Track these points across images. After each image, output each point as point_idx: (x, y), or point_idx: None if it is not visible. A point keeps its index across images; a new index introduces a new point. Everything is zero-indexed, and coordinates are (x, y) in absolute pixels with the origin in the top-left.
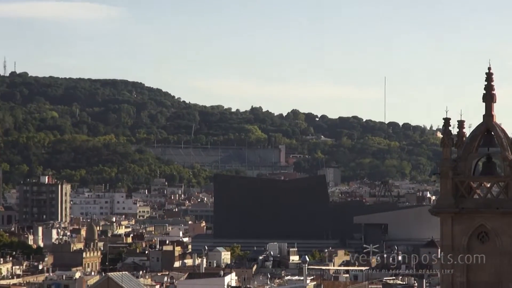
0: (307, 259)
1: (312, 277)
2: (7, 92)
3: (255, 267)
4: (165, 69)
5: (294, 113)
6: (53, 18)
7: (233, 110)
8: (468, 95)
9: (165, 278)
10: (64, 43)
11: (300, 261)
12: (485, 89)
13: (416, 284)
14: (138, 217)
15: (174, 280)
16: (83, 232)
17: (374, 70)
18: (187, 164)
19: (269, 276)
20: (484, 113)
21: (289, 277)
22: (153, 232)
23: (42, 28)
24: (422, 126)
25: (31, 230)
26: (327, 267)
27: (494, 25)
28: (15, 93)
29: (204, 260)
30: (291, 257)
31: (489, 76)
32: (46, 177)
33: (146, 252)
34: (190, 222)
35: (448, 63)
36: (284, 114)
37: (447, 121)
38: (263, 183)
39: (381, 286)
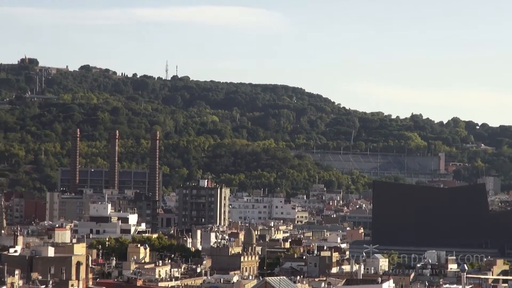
0: (466, 268)
1: (470, 286)
2: (169, 96)
3: (412, 274)
4: (325, 74)
5: (455, 121)
6: (215, 23)
7: (393, 117)
8: None
9: (322, 284)
10: (226, 47)
11: (458, 270)
12: None
13: None
14: (296, 222)
15: (332, 286)
16: (241, 236)
17: None
18: (346, 170)
19: (426, 284)
20: None
21: (447, 286)
22: (311, 238)
23: (204, 32)
24: None
25: (190, 233)
26: (486, 276)
27: None
28: (176, 97)
29: (362, 267)
30: (449, 265)
31: None
32: (206, 180)
33: (304, 257)
34: (348, 228)
35: None
36: (445, 122)
37: None
38: (422, 190)
39: None
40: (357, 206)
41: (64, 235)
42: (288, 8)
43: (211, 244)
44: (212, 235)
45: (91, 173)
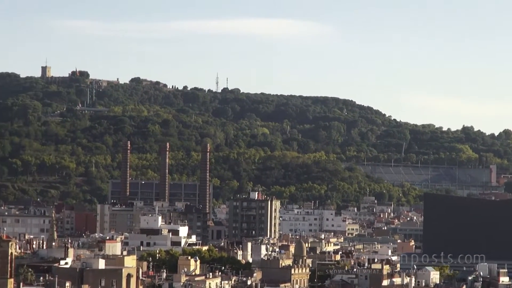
0: None
1: None
2: (219, 108)
3: (464, 287)
4: (376, 87)
5: (506, 132)
6: (265, 35)
7: (444, 129)
8: None
9: None
10: (276, 59)
11: (510, 283)
12: None
13: None
14: (346, 234)
15: None
16: (291, 249)
17: None
18: (397, 183)
19: None
20: None
21: None
22: (361, 250)
23: (254, 45)
24: None
25: (240, 246)
26: None
27: None
28: (226, 109)
29: (413, 279)
30: (501, 278)
31: None
32: (256, 193)
33: (355, 270)
34: (399, 241)
35: None
36: (496, 134)
37: None
38: (473, 203)
39: None
40: (408, 219)
41: (114, 247)
42: (339, 20)
43: (262, 256)
44: (263, 247)
45: (141, 185)
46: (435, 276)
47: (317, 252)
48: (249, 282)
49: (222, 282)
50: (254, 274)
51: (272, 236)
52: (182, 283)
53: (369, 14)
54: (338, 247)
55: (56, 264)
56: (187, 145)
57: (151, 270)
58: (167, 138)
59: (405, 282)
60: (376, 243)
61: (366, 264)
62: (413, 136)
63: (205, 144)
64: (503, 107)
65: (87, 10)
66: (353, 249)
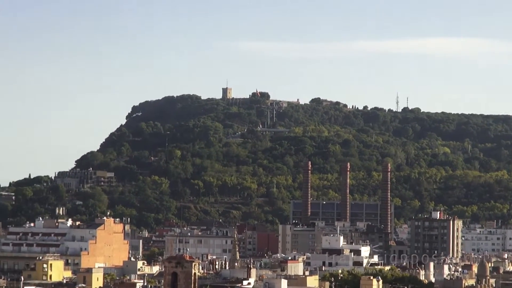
0: None
1: None
2: (399, 128)
3: None
4: None
5: None
6: (445, 54)
7: None
8: None
9: None
10: (456, 78)
11: None
12: None
13: None
14: None
15: None
16: (474, 268)
17: None
18: None
19: None
20: None
21: None
22: None
23: (434, 64)
24: None
25: (423, 265)
26: None
27: None
28: (407, 129)
29: None
30: None
31: None
32: (438, 212)
33: None
34: None
35: None
36: None
37: None
38: None
39: None
40: None
41: (296, 268)
42: None
43: (444, 276)
44: (445, 267)
45: (323, 206)
46: None
47: (500, 272)
48: None
49: None
50: None
51: (455, 256)
52: None
53: None
54: None
55: (239, 285)
56: (367, 165)
57: None
58: (348, 158)
59: None
60: None
61: None
62: None
63: (386, 164)
64: None
65: (267, 32)
66: None
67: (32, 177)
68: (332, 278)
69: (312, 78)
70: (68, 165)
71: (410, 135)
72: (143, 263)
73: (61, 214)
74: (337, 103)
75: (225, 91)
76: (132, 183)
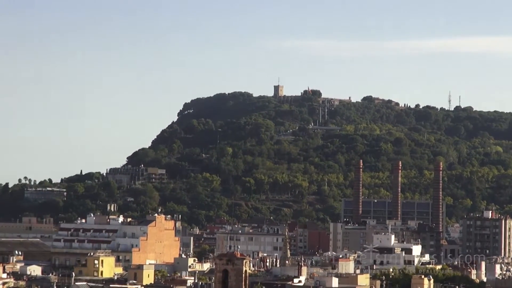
0: None
1: None
2: (452, 127)
3: None
4: None
5: None
6: (498, 53)
7: None
8: None
9: None
10: (509, 77)
11: None
12: None
13: None
14: None
15: None
16: None
17: None
18: None
19: None
20: None
21: None
22: None
23: (486, 62)
24: None
25: (474, 265)
26: None
27: None
28: (459, 128)
29: None
30: None
31: None
32: (490, 211)
33: None
34: None
35: None
36: None
37: None
38: None
39: None
40: None
41: (348, 266)
42: None
43: (496, 275)
44: (497, 266)
45: (374, 204)
46: None
47: None
48: None
49: None
50: None
51: (506, 255)
52: None
53: None
54: None
55: (290, 282)
56: (419, 164)
57: None
58: (399, 157)
59: None
60: None
61: None
62: None
63: (437, 163)
64: None
65: (320, 30)
66: None
67: (83, 173)
68: (383, 277)
69: (364, 76)
70: (119, 161)
71: (462, 134)
72: (194, 260)
73: (113, 210)
74: (389, 101)
75: (276, 88)
76: (183, 180)
